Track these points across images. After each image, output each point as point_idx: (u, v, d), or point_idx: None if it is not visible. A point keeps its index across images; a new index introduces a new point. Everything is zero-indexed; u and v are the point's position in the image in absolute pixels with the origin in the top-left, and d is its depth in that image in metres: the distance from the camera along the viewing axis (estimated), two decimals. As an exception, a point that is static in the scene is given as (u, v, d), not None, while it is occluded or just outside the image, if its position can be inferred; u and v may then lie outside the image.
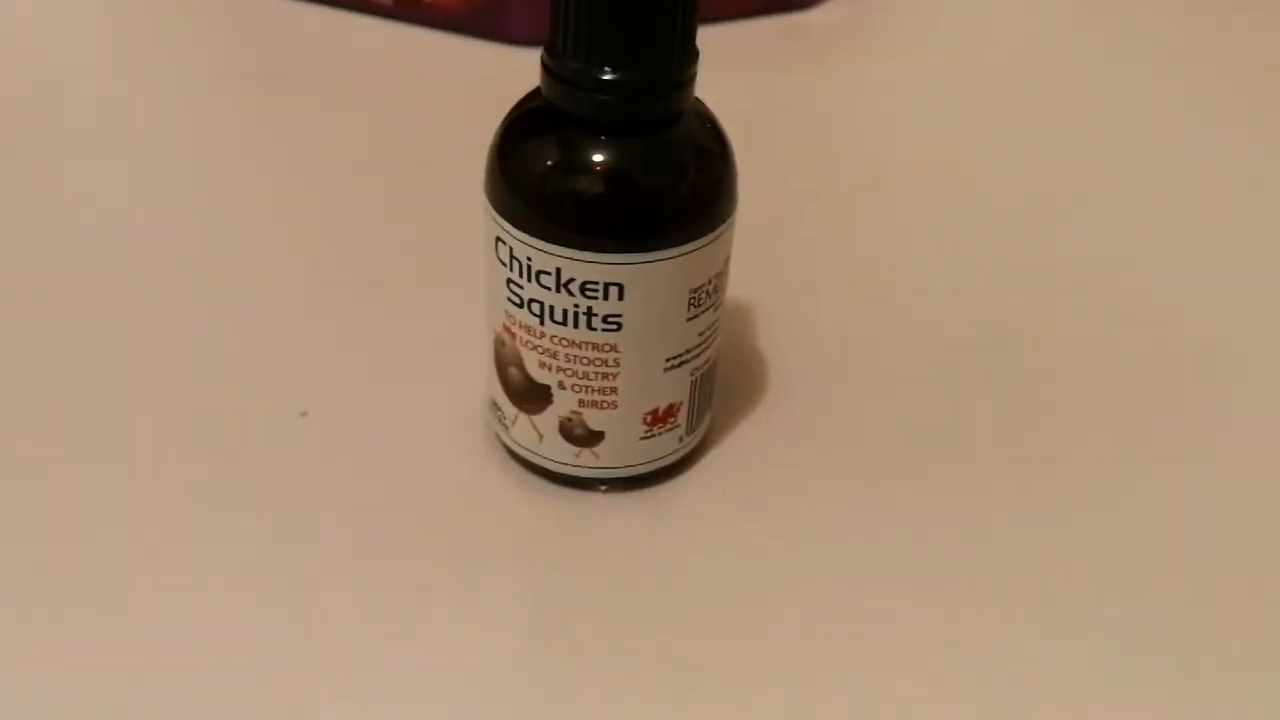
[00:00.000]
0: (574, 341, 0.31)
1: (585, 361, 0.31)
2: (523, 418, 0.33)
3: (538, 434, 0.33)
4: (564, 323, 0.31)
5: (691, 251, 0.30)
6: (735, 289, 0.37)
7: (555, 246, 0.30)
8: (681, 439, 0.33)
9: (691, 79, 0.30)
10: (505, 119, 0.31)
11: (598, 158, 0.29)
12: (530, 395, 0.32)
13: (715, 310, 0.32)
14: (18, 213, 0.42)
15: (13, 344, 0.37)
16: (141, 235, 0.41)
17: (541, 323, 0.31)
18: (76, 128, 0.46)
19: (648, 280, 0.30)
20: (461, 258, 0.39)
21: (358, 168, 0.45)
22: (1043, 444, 0.36)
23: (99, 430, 0.34)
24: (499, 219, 0.30)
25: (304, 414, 0.35)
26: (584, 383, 0.31)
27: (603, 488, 0.33)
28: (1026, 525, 0.33)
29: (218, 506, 0.32)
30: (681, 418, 0.33)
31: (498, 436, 0.34)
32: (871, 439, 0.36)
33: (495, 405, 0.33)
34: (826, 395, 0.37)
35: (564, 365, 0.31)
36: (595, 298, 0.30)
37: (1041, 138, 0.49)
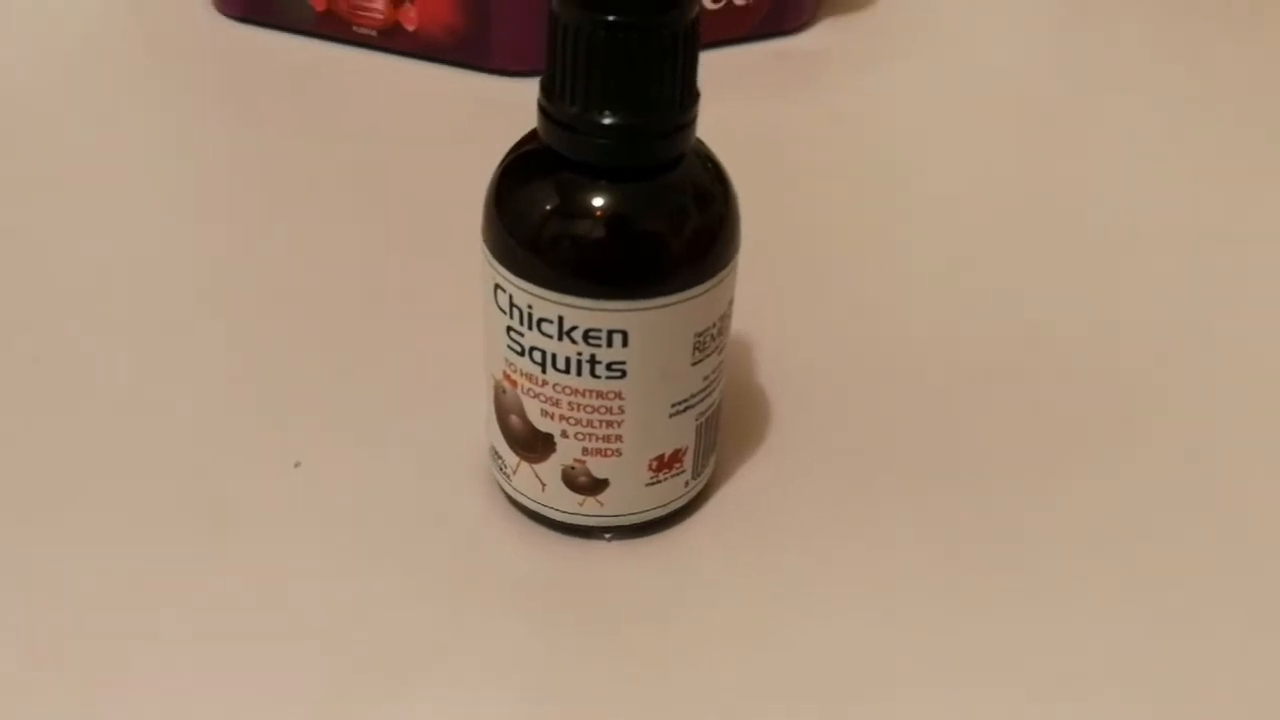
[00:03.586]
0: (577, 389, 0.30)
1: (589, 409, 0.30)
2: (525, 466, 0.32)
3: (540, 483, 0.32)
4: (567, 371, 0.30)
5: (696, 296, 0.29)
6: (734, 324, 0.37)
7: (556, 294, 0.29)
8: (687, 484, 0.33)
9: (693, 120, 0.29)
10: (502, 163, 0.30)
11: (599, 202, 0.29)
12: (532, 444, 0.31)
13: (719, 353, 0.31)
14: (5, 262, 0.41)
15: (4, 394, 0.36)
16: (126, 281, 0.40)
17: (543, 370, 0.30)
18: (54, 171, 0.45)
19: (652, 326, 0.29)
20: (455, 298, 0.39)
21: (346, 204, 0.44)
22: (1056, 479, 0.35)
23: (93, 483, 0.33)
24: (498, 266, 0.30)
25: (297, 465, 0.34)
26: (588, 430, 0.31)
27: (608, 535, 0.33)
28: (1041, 561, 0.33)
29: (211, 566, 0.32)
30: (687, 463, 0.32)
31: (499, 485, 0.33)
32: (878, 476, 0.35)
33: (496, 453, 0.33)
34: (830, 433, 0.36)
35: (567, 413, 0.30)
36: (599, 345, 0.29)
37: (1037, 157, 0.49)
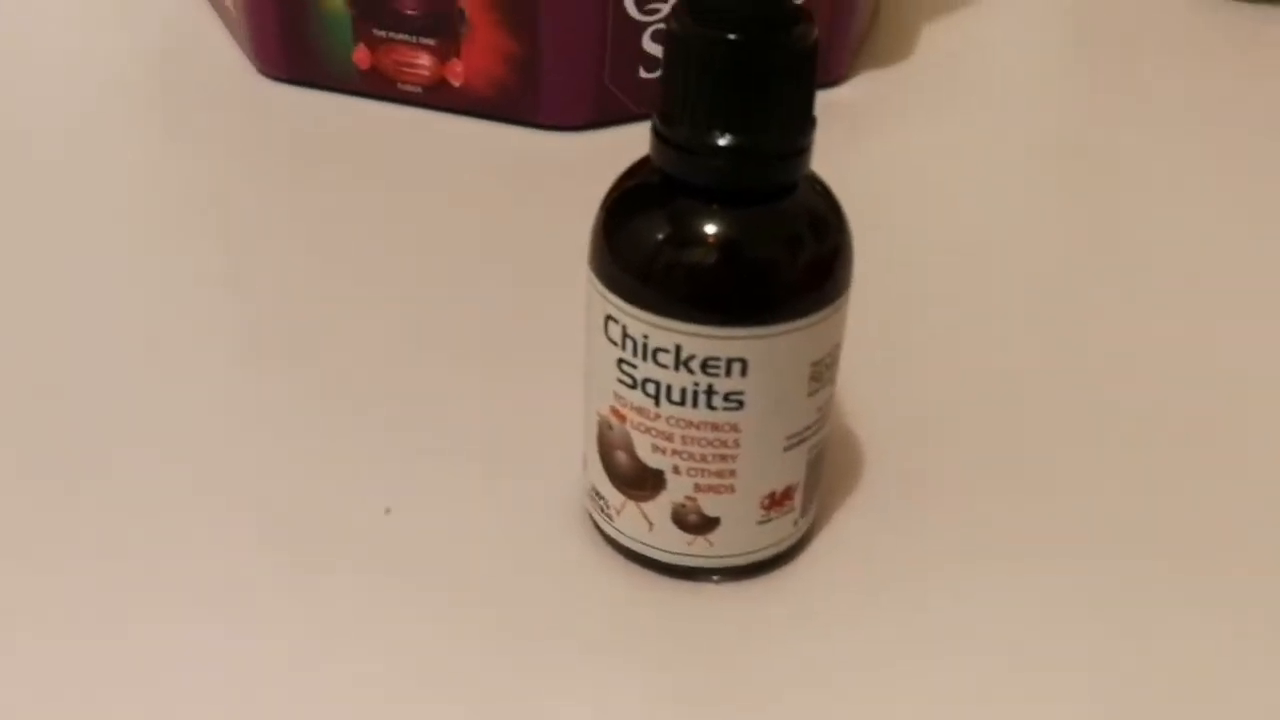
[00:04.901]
0: (692, 422, 0.29)
1: (704, 443, 0.29)
2: (631, 505, 0.31)
3: (647, 523, 0.31)
4: (682, 402, 0.29)
5: (814, 324, 0.29)
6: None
7: (674, 322, 0.28)
8: (796, 522, 0.32)
9: (810, 145, 0.28)
10: (610, 192, 0.30)
11: (718, 227, 0.28)
12: (641, 481, 0.30)
13: (832, 384, 0.31)
14: (73, 318, 0.40)
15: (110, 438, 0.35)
16: (200, 332, 0.39)
17: (657, 404, 0.29)
18: (110, 235, 0.44)
19: (771, 354, 0.28)
20: (532, 341, 0.38)
21: (414, 261, 0.43)
22: (1175, 522, 0.34)
23: (177, 527, 0.32)
24: (610, 296, 0.29)
25: (388, 511, 0.33)
26: (701, 465, 0.30)
27: (715, 578, 0.32)
28: (1166, 608, 0.32)
29: (301, 614, 0.30)
30: (797, 500, 0.31)
31: (598, 527, 0.32)
32: (987, 511, 0.34)
33: (597, 493, 0.32)
34: (933, 466, 0.35)
35: (680, 448, 0.30)
36: (717, 374, 0.28)
37: (1090, 201, 0.49)
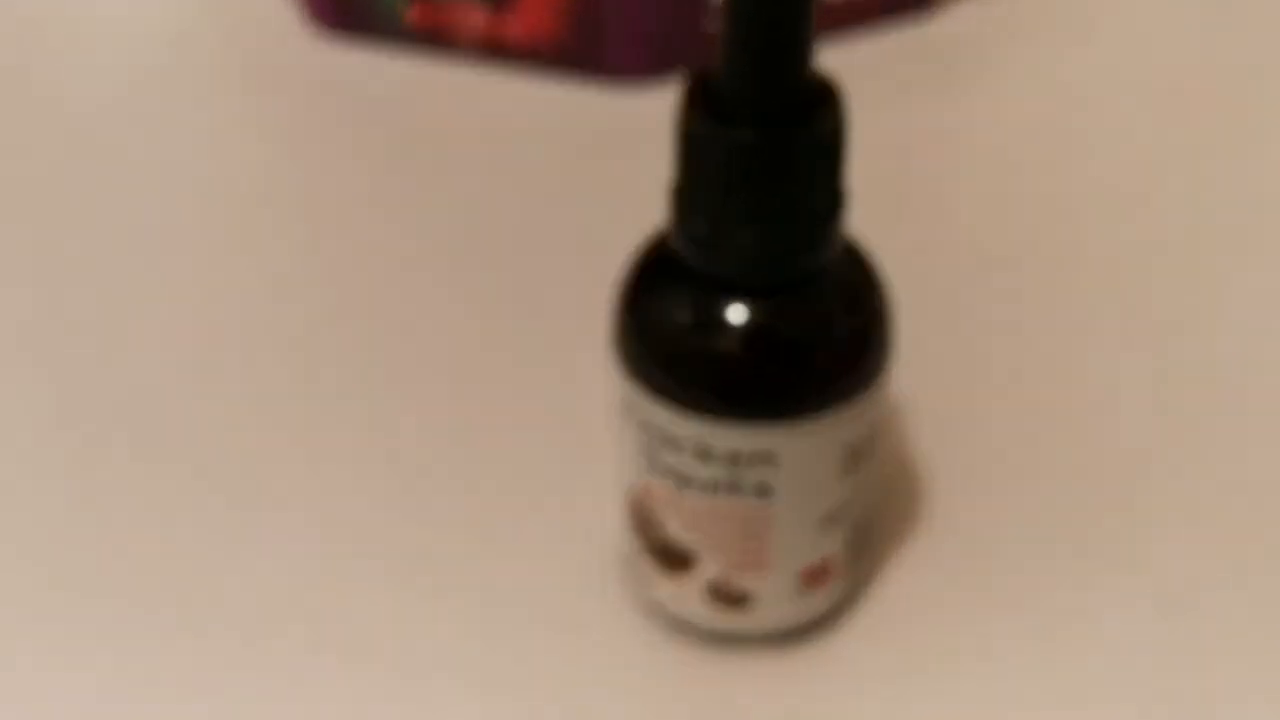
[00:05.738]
0: (719, 509, 0.28)
1: (732, 528, 0.28)
2: (663, 578, 0.30)
3: (681, 595, 0.30)
4: (707, 491, 0.28)
5: (849, 409, 0.27)
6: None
7: (696, 415, 0.27)
8: (839, 589, 0.30)
9: (839, 227, 0.26)
10: (632, 270, 0.28)
11: (740, 318, 0.26)
12: (670, 558, 0.29)
13: (873, 458, 0.29)
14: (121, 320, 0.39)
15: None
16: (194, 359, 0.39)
17: (680, 491, 0.28)
18: (125, 193, 0.43)
19: (800, 445, 0.27)
20: (578, 367, 0.35)
21: (447, 253, 0.41)
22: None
23: (201, 598, 0.32)
24: (631, 384, 0.27)
25: (425, 566, 0.33)
26: (730, 545, 0.29)
27: (752, 645, 0.31)
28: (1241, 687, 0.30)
29: (318, 678, 0.30)
30: (837, 570, 0.30)
31: (637, 588, 0.31)
32: (1055, 566, 0.32)
33: (631, 562, 0.31)
34: (996, 513, 0.33)
35: (709, 529, 0.28)
36: (742, 467, 0.27)
37: (1237, 150, 0.43)
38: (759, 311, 0.26)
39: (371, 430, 0.36)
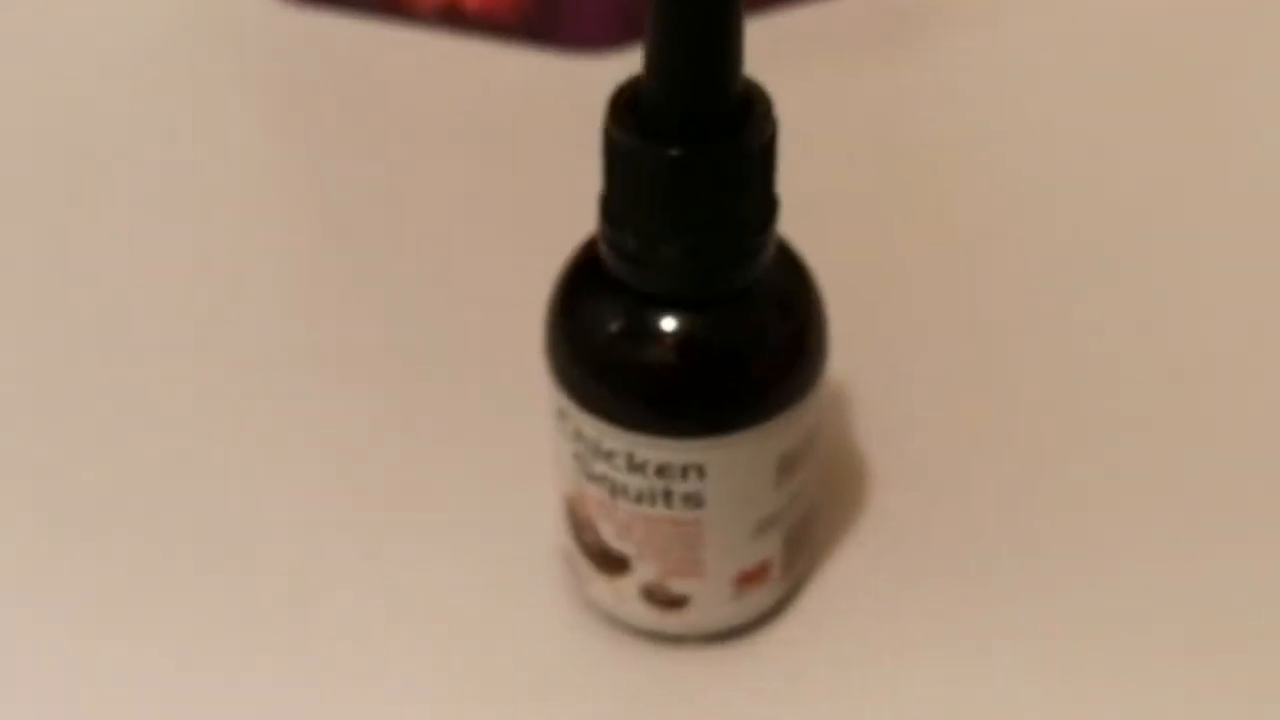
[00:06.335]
0: (651, 518, 0.28)
1: (666, 535, 0.28)
2: (601, 579, 0.30)
3: (618, 596, 0.30)
4: (639, 501, 0.28)
5: (780, 420, 0.27)
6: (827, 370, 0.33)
7: (625, 429, 0.27)
8: (775, 588, 0.30)
9: (770, 239, 0.26)
10: (562, 277, 0.28)
11: (670, 329, 0.26)
12: (607, 561, 0.29)
13: (810, 463, 0.29)
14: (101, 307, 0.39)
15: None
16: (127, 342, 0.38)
17: (613, 498, 0.28)
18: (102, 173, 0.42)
19: (731, 458, 0.27)
20: (522, 344, 0.33)
21: (396, 223, 0.40)
22: (1214, 566, 0.32)
23: (150, 605, 0.32)
24: (563, 394, 0.27)
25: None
26: (665, 551, 0.29)
27: (692, 643, 0.31)
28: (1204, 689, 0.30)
29: (267, 679, 0.30)
30: (774, 572, 0.30)
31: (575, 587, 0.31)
32: (997, 558, 0.32)
33: (569, 559, 0.31)
34: (940, 503, 0.33)
35: (642, 538, 0.28)
36: (673, 479, 0.27)
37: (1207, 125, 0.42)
38: (689, 325, 0.26)
39: (309, 424, 0.36)
